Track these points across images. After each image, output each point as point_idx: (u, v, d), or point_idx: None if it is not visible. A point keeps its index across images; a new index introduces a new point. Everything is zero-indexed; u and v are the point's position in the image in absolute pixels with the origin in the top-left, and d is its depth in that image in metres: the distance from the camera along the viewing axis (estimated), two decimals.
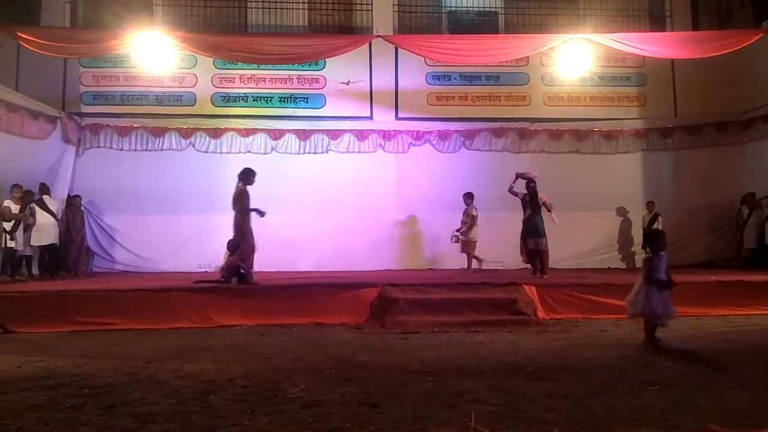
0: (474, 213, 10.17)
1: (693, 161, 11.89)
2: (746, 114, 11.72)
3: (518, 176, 9.35)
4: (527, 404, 3.46)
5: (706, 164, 11.81)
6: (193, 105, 11.74)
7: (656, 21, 12.35)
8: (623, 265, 11.63)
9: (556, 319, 7.03)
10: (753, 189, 11.14)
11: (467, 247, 10.26)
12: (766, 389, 3.80)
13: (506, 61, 11.21)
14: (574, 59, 9.34)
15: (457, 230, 10.18)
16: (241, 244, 7.80)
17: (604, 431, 2.97)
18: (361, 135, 11.73)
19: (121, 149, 11.38)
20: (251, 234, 7.93)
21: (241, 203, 7.87)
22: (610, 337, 5.94)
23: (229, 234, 8.25)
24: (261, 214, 7.93)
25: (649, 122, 12.16)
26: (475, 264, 10.27)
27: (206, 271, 9.80)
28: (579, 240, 11.46)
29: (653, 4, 12.50)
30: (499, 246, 11.45)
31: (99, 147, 11.35)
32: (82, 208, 10.77)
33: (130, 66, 11.07)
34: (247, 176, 8.06)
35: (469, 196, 10.27)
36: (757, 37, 8.64)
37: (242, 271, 7.77)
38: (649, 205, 11.46)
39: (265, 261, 10.16)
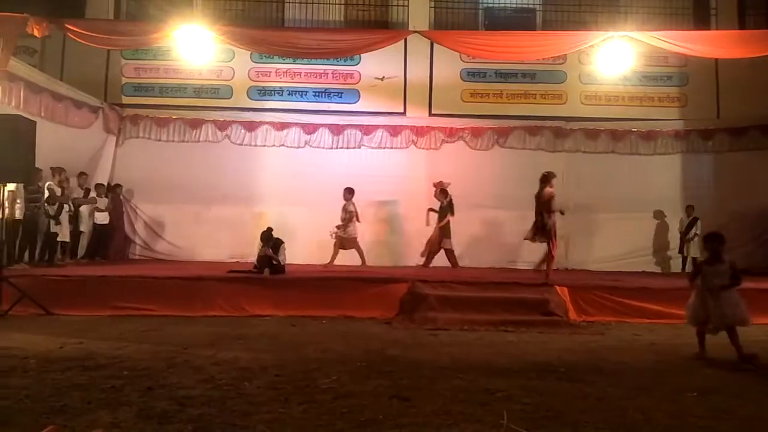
0: (352, 209, 9.90)
1: (735, 164, 11.50)
2: None
3: (436, 185, 9.90)
4: (560, 405, 3.43)
5: (748, 168, 11.41)
6: (230, 98, 11.92)
7: (701, 19, 11.98)
8: (658, 269, 11.37)
9: (587, 322, 6.93)
10: None
11: (345, 244, 9.97)
12: None
13: (543, 59, 11.05)
14: (613, 57, 9.11)
15: (337, 227, 9.91)
16: (551, 244, 7.96)
17: None
18: (394, 131, 11.73)
19: (159, 140, 11.63)
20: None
21: (552, 205, 7.86)
22: (644, 342, 5.83)
23: (263, 225, 8.39)
24: (562, 213, 8.29)
25: (689, 123, 11.82)
26: (341, 259, 9.99)
27: (239, 262, 9.95)
28: (613, 242, 11.24)
29: (698, 2, 12.14)
30: (532, 246, 11.33)
31: (138, 137, 11.62)
32: (121, 196, 11.05)
33: (170, 59, 11.27)
34: (550, 178, 8.15)
35: (348, 192, 9.99)
36: None
37: (274, 262, 7.87)
38: (689, 209, 11.15)
39: (296, 254, 10.32)
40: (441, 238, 9.98)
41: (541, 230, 7.89)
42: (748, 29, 11.30)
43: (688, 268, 10.73)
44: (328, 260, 9.87)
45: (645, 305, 7.10)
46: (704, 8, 12.02)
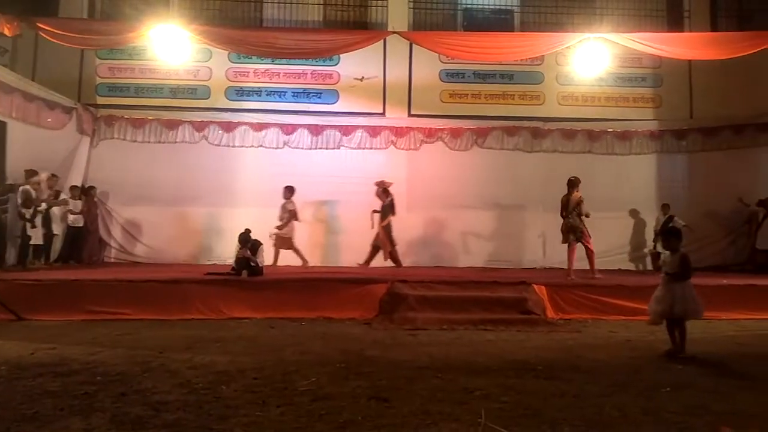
0: (291, 207, 9.75)
1: (707, 164, 11.76)
2: (763, 117, 11.57)
3: (378, 185, 9.94)
4: (538, 402, 3.45)
5: (720, 167, 11.66)
6: (207, 98, 11.79)
7: (674, 21, 12.21)
8: (633, 267, 11.56)
9: (565, 320, 7.00)
10: None
11: (282, 243, 9.82)
12: None
13: (521, 60, 11.16)
14: (589, 59, 9.26)
15: (278, 226, 9.80)
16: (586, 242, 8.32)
17: None
18: (374, 131, 11.73)
19: (135, 141, 11.46)
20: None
21: (582, 208, 8.45)
22: (619, 338, 5.91)
23: (241, 227, 8.31)
24: (587, 215, 8.58)
25: (664, 124, 12.05)
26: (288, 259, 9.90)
27: (217, 264, 9.85)
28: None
29: (671, 5, 12.36)
30: (510, 245, 11.47)
31: (113, 138, 11.43)
32: (96, 198, 10.86)
33: (145, 58, 11.13)
34: (577, 183, 8.65)
35: (289, 190, 9.87)
36: None
37: (252, 263, 7.81)
38: (664, 207, 11.35)
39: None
40: (387, 237, 9.95)
41: (572, 231, 8.49)
42: (721, 31, 11.56)
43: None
44: (294, 260, 9.77)
45: (621, 302, 7.20)
46: (677, 10, 12.25)
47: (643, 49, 8.83)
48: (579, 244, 8.62)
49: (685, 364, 4.69)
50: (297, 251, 9.99)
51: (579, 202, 8.48)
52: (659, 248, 10.90)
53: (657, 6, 12.23)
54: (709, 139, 11.89)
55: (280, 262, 9.96)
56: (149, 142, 11.47)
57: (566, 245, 8.76)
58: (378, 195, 10.08)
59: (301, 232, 10.88)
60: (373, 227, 10.07)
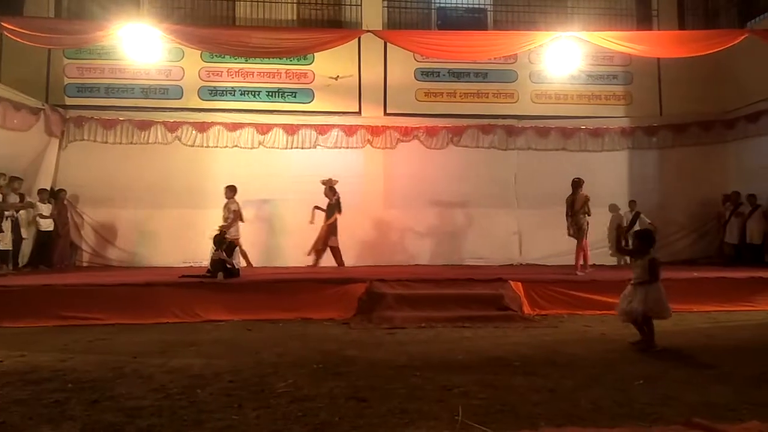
0: (235, 207, 9.25)
1: (677, 160, 12.02)
2: (730, 113, 11.88)
3: (325, 183, 9.83)
4: (514, 398, 3.48)
5: (690, 163, 11.94)
6: (180, 98, 11.61)
7: (643, 20, 12.44)
8: (608, 262, 11.73)
9: (541, 315, 7.09)
10: (735, 187, 11.30)
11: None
12: (747, 383, 3.87)
13: (495, 58, 11.23)
14: (562, 57, 9.37)
15: (221, 227, 8.99)
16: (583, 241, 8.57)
17: (590, 424, 2.99)
18: (350, 130, 11.69)
19: (106, 142, 11.21)
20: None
21: (587, 207, 8.83)
22: (594, 333, 6.00)
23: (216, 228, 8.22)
24: (589, 214, 8.87)
25: (634, 121, 12.26)
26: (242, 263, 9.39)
27: (192, 266, 9.71)
28: (564, 236, 11.47)
29: (640, 4, 12.59)
30: (487, 242, 11.55)
31: (83, 140, 11.16)
32: (66, 202, 10.62)
33: (115, 58, 10.89)
34: (581, 183, 9.04)
35: (230, 189, 9.37)
36: (742, 38, 8.73)
37: (228, 265, 7.72)
38: (631, 203, 11.56)
39: (251, 256, 10.17)
40: (328, 236, 9.83)
41: (577, 229, 8.83)
42: (688, 30, 11.81)
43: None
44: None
45: (595, 297, 7.31)
46: (646, 9, 12.49)
47: (614, 47, 8.96)
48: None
49: (657, 357, 4.78)
50: (243, 253, 9.54)
51: (586, 202, 8.89)
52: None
53: (626, 5, 12.44)
54: (679, 136, 12.14)
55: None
56: (121, 143, 11.24)
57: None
58: (325, 193, 9.90)
59: (278, 232, 10.83)
60: (312, 222, 9.89)
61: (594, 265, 9.63)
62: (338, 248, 10.07)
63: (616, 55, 11.25)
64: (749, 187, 11.02)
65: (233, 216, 9.16)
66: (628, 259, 11.16)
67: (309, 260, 10.18)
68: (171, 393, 3.63)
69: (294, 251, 10.81)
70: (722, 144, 12.02)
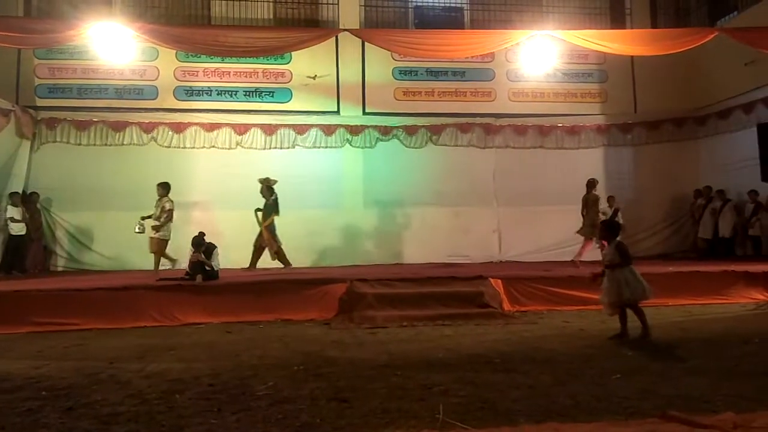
0: (169, 206, 8.75)
1: (651, 156, 12.24)
2: (701, 110, 12.14)
3: (262, 182, 9.50)
4: (494, 395, 3.50)
5: (663, 159, 12.17)
6: (155, 98, 11.45)
7: (617, 19, 12.64)
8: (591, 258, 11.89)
9: (521, 312, 7.15)
10: (707, 182, 11.56)
11: (156, 246, 8.78)
12: (720, 375, 3.95)
13: (472, 57, 11.30)
14: (538, 55, 9.47)
15: (154, 227, 8.80)
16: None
17: (569, 419, 3.03)
18: (328, 130, 11.66)
19: (80, 144, 11.02)
20: None
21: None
22: (573, 328, 6.07)
23: (194, 230, 8.12)
24: (605, 213, 9.39)
25: (609, 118, 12.45)
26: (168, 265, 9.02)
27: (170, 269, 9.58)
28: (543, 233, 11.65)
29: (614, 2, 12.79)
30: (467, 240, 11.61)
31: (56, 142, 10.96)
32: (39, 205, 10.40)
33: (87, 58, 10.71)
34: (595, 184, 9.62)
35: (163, 187, 8.80)
36: (711, 36, 8.91)
37: (207, 267, 7.63)
38: (610, 199, 11.69)
39: (231, 258, 10.05)
40: (270, 237, 9.41)
41: (591, 228, 9.21)
42: (660, 28, 12.03)
43: None
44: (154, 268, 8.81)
45: (574, 293, 7.39)
46: (619, 8, 12.69)
47: (588, 45, 9.08)
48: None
49: (642, 348, 4.87)
50: (154, 254, 8.89)
51: (596, 201, 9.55)
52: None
53: (600, 4, 12.64)
54: (652, 133, 12.37)
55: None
56: (95, 144, 11.06)
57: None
58: (262, 193, 9.49)
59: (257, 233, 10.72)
60: (259, 225, 9.54)
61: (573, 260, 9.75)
62: (281, 249, 9.63)
63: (591, 53, 11.40)
64: (720, 182, 11.29)
65: (167, 216, 8.72)
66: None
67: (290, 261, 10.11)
68: (149, 398, 3.57)
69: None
70: (694, 140, 12.29)
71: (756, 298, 7.58)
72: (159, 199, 8.81)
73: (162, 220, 8.72)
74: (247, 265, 9.69)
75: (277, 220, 9.77)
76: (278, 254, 9.67)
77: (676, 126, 12.37)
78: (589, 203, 9.51)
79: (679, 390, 3.57)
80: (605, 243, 8.42)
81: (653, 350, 4.92)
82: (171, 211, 8.80)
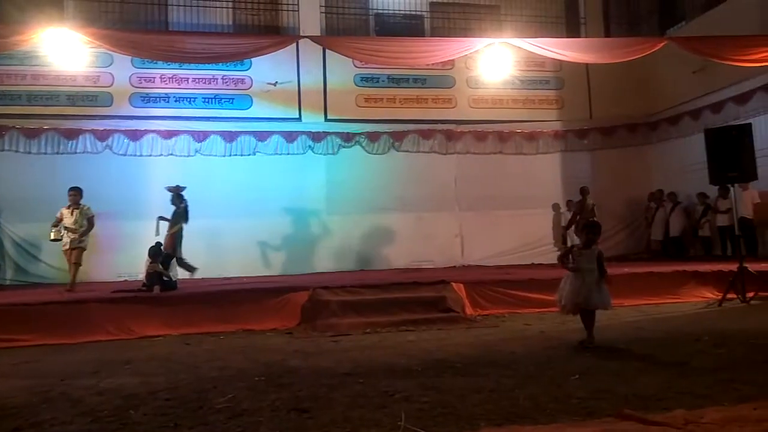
0: (92, 213, 8.24)
1: (607, 161, 12.61)
2: (653, 116, 12.59)
3: (171, 190, 8.90)
4: (456, 400, 3.51)
5: (618, 163, 12.56)
6: (110, 105, 11.15)
7: (572, 27, 13.00)
8: (546, 261, 12.10)
9: (483, 315, 7.21)
10: (660, 186, 11.98)
11: (75, 256, 8.11)
12: (673, 373, 4.07)
13: (432, 64, 11.42)
14: (496, 63, 9.63)
15: (79, 234, 8.13)
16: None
17: (529, 421, 3.06)
18: (290, 137, 11.58)
19: (30, 153, 10.64)
20: None
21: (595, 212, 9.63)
22: (534, 331, 6.16)
23: (151, 240, 7.93)
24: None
25: (566, 124, 12.77)
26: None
27: (127, 280, 9.32)
28: (504, 237, 11.85)
29: (569, 12, 13.16)
30: (430, 245, 11.70)
31: (4, 151, 10.56)
32: None
33: (38, 64, 10.36)
34: (588, 191, 10.05)
35: (80, 192, 8.24)
36: (661, 45, 9.24)
37: (165, 278, 7.45)
38: (569, 203, 12.01)
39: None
40: (173, 246, 8.79)
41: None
42: (613, 36, 12.43)
43: None
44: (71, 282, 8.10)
45: (534, 295, 7.51)
46: (574, 17, 13.05)
47: (545, 53, 9.28)
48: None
49: (592, 351, 4.96)
50: (75, 265, 8.19)
51: (594, 208, 10.08)
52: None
53: (556, 13, 12.97)
54: (607, 138, 12.76)
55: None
56: (46, 153, 10.70)
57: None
58: (172, 201, 8.97)
59: (218, 242, 10.55)
60: (157, 234, 8.79)
61: (533, 263, 9.94)
62: (182, 258, 9.09)
63: (548, 61, 11.69)
64: (672, 186, 11.71)
65: (89, 224, 8.15)
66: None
67: (252, 270, 9.98)
68: (101, 416, 3.45)
69: (235, 261, 10.60)
70: (647, 145, 12.74)
71: (706, 297, 7.86)
72: (78, 206, 8.11)
73: (84, 228, 8.09)
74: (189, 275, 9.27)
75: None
76: (179, 262, 8.96)
77: (630, 131, 12.79)
78: (586, 210, 9.90)
79: (634, 389, 3.65)
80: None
81: (610, 350, 5.03)
82: (92, 218, 8.24)
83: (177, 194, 8.94)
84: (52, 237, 8.12)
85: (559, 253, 11.39)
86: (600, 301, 5.21)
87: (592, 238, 5.43)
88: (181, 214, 8.86)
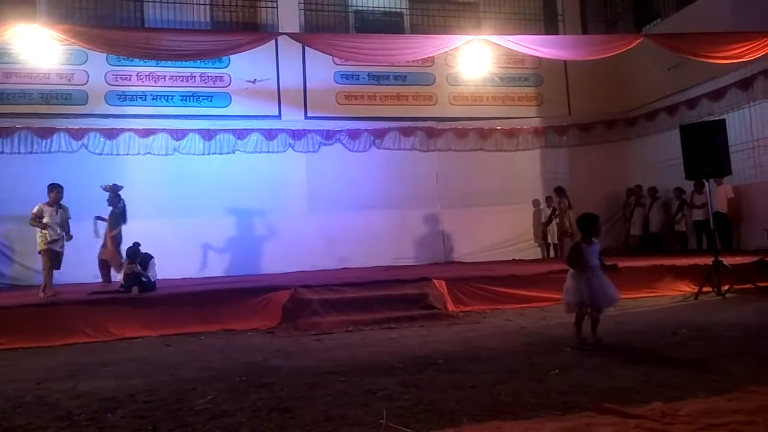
0: (69, 215, 7.83)
1: (585, 157, 12.75)
2: (630, 113, 12.75)
3: (108, 189, 8.34)
4: (438, 397, 3.52)
5: (597, 159, 12.70)
6: (85, 104, 10.94)
7: (550, 24, 13.11)
8: (527, 256, 12.23)
9: (464, 312, 7.22)
10: (638, 181, 12.14)
11: (57, 258, 7.73)
12: (651, 366, 4.12)
13: (412, 61, 11.42)
14: (476, 60, 9.64)
15: (62, 236, 7.74)
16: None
17: (510, 417, 3.08)
18: (270, 134, 11.50)
19: (2, 152, 10.40)
20: None
21: None
22: (515, 326, 6.20)
23: (129, 240, 7.80)
24: None
25: (545, 121, 12.88)
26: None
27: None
28: (485, 233, 11.92)
29: (547, 9, 13.25)
30: (412, 242, 11.72)
31: None
32: None
33: (9, 61, 10.14)
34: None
35: (59, 189, 7.78)
36: (638, 41, 9.35)
37: (144, 279, 7.35)
38: (548, 199, 12.14)
39: (170, 268, 9.71)
40: (114, 249, 8.29)
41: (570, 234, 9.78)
42: (591, 34, 12.57)
43: (552, 253, 11.69)
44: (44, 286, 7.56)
45: (515, 291, 7.56)
46: (552, 15, 13.15)
47: (523, 50, 9.33)
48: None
49: (572, 346, 5.01)
50: (50, 267, 7.75)
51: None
52: (554, 239, 11.77)
53: (534, 10, 13.06)
54: (586, 134, 12.90)
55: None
56: (19, 153, 10.47)
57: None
58: (109, 201, 8.44)
59: (197, 241, 10.45)
60: (98, 236, 8.40)
61: (514, 259, 10.00)
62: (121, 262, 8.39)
63: (527, 58, 11.76)
64: (649, 181, 11.88)
65: (68, 225, 7.75)
66: (551, 251, 11.71)
67: (232, 269, 9.87)
68: (78, 420, 3.38)
69: (214, 260, 10.50)
70: (625, 141, 12.91)
71: (683, 290, 7.99)
72: (59, 206, 7.70)
73: (64, 228, 7.70)
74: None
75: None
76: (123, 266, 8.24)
77: (608, 127, 12.95)
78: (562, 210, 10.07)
79: (613, 382, 3.70)
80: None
81: (590, 344, 5.07)
82: (69, 218, 7.82)
83: (114, 194, 8.42)
84: (52, 237, 7.57)
85: (559, 254, 11.47)
86: (606, 302, 4.96)
87: (593, 231, 5.05)
88: (119, 215, 8.34)
